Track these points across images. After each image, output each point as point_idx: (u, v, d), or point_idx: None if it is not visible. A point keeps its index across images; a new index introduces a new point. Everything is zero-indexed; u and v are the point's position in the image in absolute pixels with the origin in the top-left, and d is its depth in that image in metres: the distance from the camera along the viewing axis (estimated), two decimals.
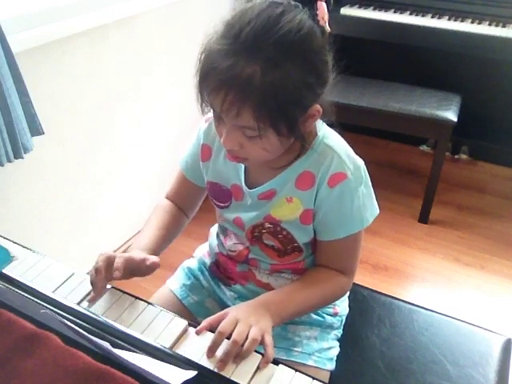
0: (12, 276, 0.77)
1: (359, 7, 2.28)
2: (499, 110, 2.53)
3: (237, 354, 0.70)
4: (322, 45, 0.76)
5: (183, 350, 0.70)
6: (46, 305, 0.72)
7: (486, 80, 2.47)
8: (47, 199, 1.54)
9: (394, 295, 1.20)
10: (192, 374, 0.62)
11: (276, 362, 0.71)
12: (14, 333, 0.66)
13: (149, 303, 0.79)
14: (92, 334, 0.65)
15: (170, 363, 0.64)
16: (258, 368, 0.69)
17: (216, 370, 0.68)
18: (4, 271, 0.78)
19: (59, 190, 1.58)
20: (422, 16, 2.19)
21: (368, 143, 2.72)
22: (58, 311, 0.71)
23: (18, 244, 0.88)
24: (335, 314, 1.02)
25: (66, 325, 0.65)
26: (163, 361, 0.64)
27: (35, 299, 0.73)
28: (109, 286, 0.82)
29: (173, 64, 1.92)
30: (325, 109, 0.80)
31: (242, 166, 0.91)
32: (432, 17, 2.17)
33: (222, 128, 0.78)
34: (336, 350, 0.99)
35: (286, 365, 0.71)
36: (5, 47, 1.17)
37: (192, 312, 1.04)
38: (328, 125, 0.89)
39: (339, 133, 0.90)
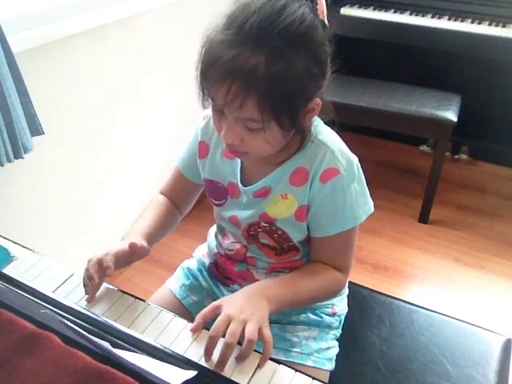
0: (12, 276, 0.77)
1: (359, 7, 2.28)
2: (499, 110, 2.53)
3: (238, 355, 0.69)
4: (323, 37, 0.76)
5: (183, 350, 0.70)
6: (46, 305, 0.72)
7: (485, 80, 2.47)
8: (47, 199, 1.54)
9: (394, 295, 1.20)
10: (192, 373, 0.62)
11: (276, 361, 0.71)
12: (14, 333, 0.66)
13: (149, 303, 0.79)
14: (92, 334, 0.65)
15: (170, 363, 0.64)
16: (258, 367, 0.69)
17: (216, 370, 0.68)
18: (4, 271, 0.78)
19: (59, 190, 1.58)
20: (422, 16, 2.19)
21: (368, 143, 2.72)
22: (58, 311, 0.71)
23: (18, 244, 0.88)
24: (333, 314, 1.02)
25: (66, 325, 0.65)
26: (163, 361, 0.64)
27: (35, 299, 0.73)
28: (111, 287, 0.82)
29: (173, 64, 1.92)
30: (323, 106, 0.80)
31: (239, 163, 0.91)
32: (432, 17, 2.17)
33: (223, 122, 0.78)
34: (335, 350, 0.99)
35: (285, 365, 0.71)
36: (5, 47, 1.17)
37: (191, 312, 1.04)
38: (328, 124, 0.89)
39: (339, 132, 0.90)
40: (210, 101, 0.78)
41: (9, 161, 1.23)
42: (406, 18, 2.19)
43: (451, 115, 2.04)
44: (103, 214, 1.80)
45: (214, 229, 1.08)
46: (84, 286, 0.79)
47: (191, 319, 0.78)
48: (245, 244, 0.97)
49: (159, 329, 0.74)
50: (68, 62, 1.47)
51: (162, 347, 0.69)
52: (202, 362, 0.69)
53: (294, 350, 0.95)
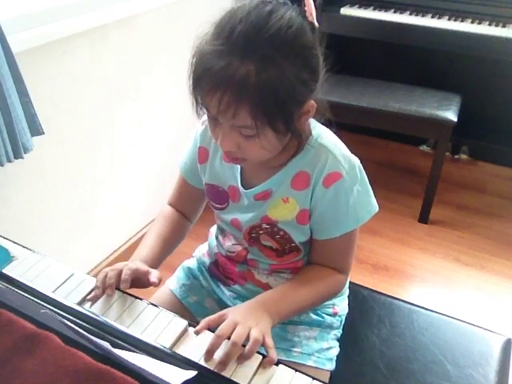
0: (12, 276, 0.77)
1: (359, 7, 2.28)
2: (499, 110, 2.53)
3: (240, 355, 0.70)
4: (312, 40, 0.76)
5: (183, 350, 0.70)
6: (46, 305, 0.72)
7: (486, 80, 2.47)
8: (47, 199, 1.54)
9: (394, 295, 1.20)
10: (192, 373, 0.62)
11: (276, 361, 0.71)
12: (14, 333, 0.66)
13: (149, 303, 0.79)
14: (92, 334, 0.65)
15: (170, 363, 0.64)
16: (259, 368, 0.69)
17: (216, 371, 0.68)
18: (4, 271, 0.78)
19: (59, 190, 1.58)
20: (422, 16, 2.18)
21: (368, 143, 2.72)
22: (58, 311, 0.71)
23: (18, 244, 0.88)
24: (334, 314, 1.02)
25: (66, 325, 0.65)
26: (163, 361, 0.64)
27: (35, 299, 0.73)
28: None
29: (173, 64, 1.92)
30: (318, 107, 0.80)
31: (239, 167, 0.91)
32: (432, 17, 2.17)
33: (219, 130, 0.78)
34: (336, 350, 0.99)
35: (285, 365, 0.71)
36: (5, 47, 1.17)
37: (191, 312, 1.04)
38: (327, 125, 0.89)
39: (338, 133, 0.90)
40: (205, 109, 0.78)
41: (9, 161, 1.23)
42: (405, 18, 2.18)
43: (451, 115, 2.04)
44: (103, 213, 1.80)
45: (214, 228, 1.07)
46: (96, 288, 0.79)
47: (191, 319, 0.78)
48: (246, 246, 0.97)
49: (159, 329, 0.74)
50: (68, 62, 1.47)
51: (162, 347, 0.69)
52: (202, 362, 0.69)
53: (295, 349, 0.95)
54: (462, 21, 2.12)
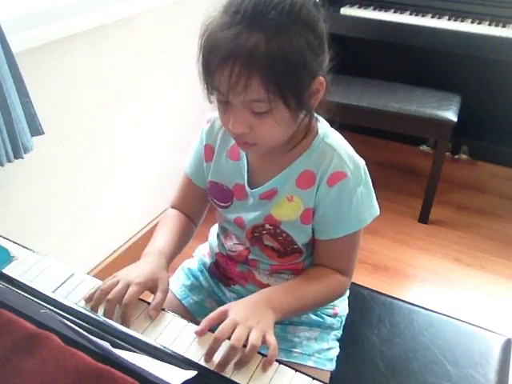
0: (12, 276, 0.77)
1: (359, 7, 2.28)
2: (499, 110, 2.53)
3: (238, 361, 0.69)
4: (317, 16, 0.77)
5: (183, 350, 0.70)
6: (46, 305, 0.72)
7: (486, 80, 2.47)
8: (47, 199, 1.54)
9: (394, 295, 1.20)
10: (192, 374, 0.62)
11: (277, 361, 0.71)
12: (14, 333, 0.66)
13: (149, 303, 0.79)
14: (92, 334, 0.65)
15: (170, 363, 0.64)
16: (258, 368, 0.69)
17: (216, 371, 0.68)
18: (4, 271, 0.78)
19: (59, 190, 1.58)
20: (422, 16, 2.19)
21: (368, 143, 2.72)
22: (58, 311, 0.71)
23: (18, 244, 0.88)
24: (335, 315, 1.02)
25: (66, 325, 0.65)
26: (163, 361, 0.64)
27: (35, 299, 0.73)
28: None
29: (173, 64, 1.92)
30: (325, 105, 0.81)
31: (245, 165, 0.91)
32: (432, 17, 2.17)
33: (230, 112, 0.77)
34: (336, 351, 0.99)
35: (285, 365, 0.70)
36: (5, 47, 1.16)
37: (192, 312, 1.04)
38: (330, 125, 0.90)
39: (339, 132, 0.90)
40: (215, 93, 0.78)
41: (9, 161, 1.23)
42: (406, 18, 2.18)
43: (451, 115, 2.04)
44: (103, 213, 1.80)
45: (215, 228, 1.07)
46: (93, 305, 0.77)
47: (191, 319, 0.78)
48: (247, 246, 0.97)
49: (159, 329, 0.74)
50: (68, 62, 1.47)
51: (162, 347, 0.69)
52: (202, 362, 0.69)
53: (295, 350, 0.95)
54: (462, 21, 2.12)
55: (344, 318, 1.06)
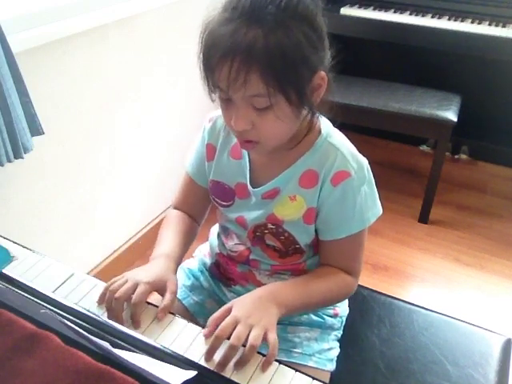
0: (12, 276, 0.77)
1: (359, 7, 2.28)
2: (499, 110, 2.53)
3: (238, 361, 0.69)
4: (315, 10, 0.77)
5: (183, 350, 0.70)
6: (46, 305, 0.72)
7: (485, 80, 2.47)
8: (47, 199, 1.54)
9: (394, 295, 1.20)
10: (192, 374, 0.62)
11: (277, 361, 0.71)
12: (14, 333, 0.66)
13: (149, 303, 0.79)
14: (92, 334, 0.65)
15: (170, 363, 0.64)
16: (258, 368, 0.69)
17: (216, 371, 0.68)
18: (4, 271, 0.78)
19: (59, 190, 1.58)
20: (422, 16, 2.19)
21: (368, 143, 2.72)
22: (58, 311, 0.71)
23: (18, 244, 0.88)
24: (335, 315, 1.02)
25: (66, 325, 0.65)
26: (163, 361, 0.64)
27: (35, 299, 0.73)
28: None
29: (173, 64, 1.92)
30: (326, 105, 0.81)
31: (247, 164, 0.91)
32: (432, 17, 2.17)
33: (231, 109, 0.77)
34: (336, 351, 0.99)
35: (286, 365, 0.70)
36: (5, 47, 1.16)
37: (192, 312, 1.04)
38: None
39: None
40: (217, 91, 0.78)
41: (9, 161, 1.23)
42: (406, 18, 2.18)
43: (451, 115, 2.04)
44: (103, 213, 1.80)
45: (216, 228, 1.07)
46: (107, 307, 0.76)
47: (191, 319, 0.78)
48: (248, 246, 0.96)
49: (159, 329, 0.74)
50: (68, 61, 1.47)
51: (161, 347, 0.69)
52: (202, 362, 0.69)
53: (296, 350, 0.95)
54: (462, 21, 2.12)
55: (344, 319, 1.06)
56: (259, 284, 0.98)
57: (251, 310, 0.75)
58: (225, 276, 1.04)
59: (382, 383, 0.99)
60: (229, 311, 0.75)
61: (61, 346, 0.64)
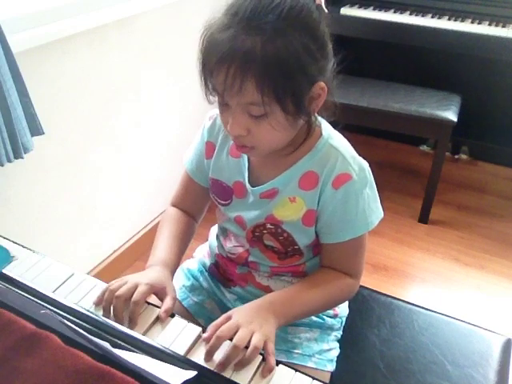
0: (12, 276, 0.77)
1: (359, 7, 2.28)
2: (499, 110, 2.53)
3: (238, 361, 0.69)
4: (319, 19, 0.76)
5: (183, 350, 0.70)
6: (45, 305, 0.72)
7: (486, 80, 2.47)
8: (47, 199, 1.54)
9: (394, 295, 1.20)
10: (192, 373, 0.62)
11: (276, 362, 0.71)
12: (14, 333, 0.66)
13: (149, 303, 0.79)
14: (92, 334, 0.65)
15: (170, 363, 0.64)
16: (259, 369, 0.69)
17: (216, 371, 0.68)
18: (4, 271, 0.78)
19: (59, 190, 1.58)
20: (422, 16, 2.19)
21: (368, 143, 2.72)
22: (58, 311, 0.71)
23: (18, 244, 0.88)
24: (335, 316, 1.02)
25: (66, 325, 0.65)
26: (163, 361, 0.64)
27: (35, 299, 0.73)
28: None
29: (173, 64, 1.92)
30: (328, 107, 0.80)
31: (246, 162, 0.91)
32: (432, 17, 2.17)
33: (228, 114, 0.78)
34: (336, 351, 0.99)
35: (286, 365, 0.70)
36: (5, 47, 1.16)
37: (192, 313, 1.04)
38: (333, 126, 0.89)
39: (340, 133, 0.90)
40: (215, 94, 0.78)
41: (9, 161, 1.23)
42: (405, 18, 2.18)
43: (451, 115, 2.04)
44: (103, 214, 1.80)
45: (215, 228, 1.07)
46: (104, 309, 0.76)
47: (191, 320, 0.78)
48: (247, 248, 0.96)
49: (159, 329, 0.74)
50: (68, 61, 1.47)
51: (161, 347, 0.69)
52: (202, 362, 0.69)
53: (296, 351, 0.94)
54: (462, 21, 2.12)
55: (344, 319, 1.05)
56: (259, 285, 0.98)
57: (252, 317, 0.75)
58: (224, 277, 1.03)
59: (382, 383, 0.99)
60: (229, 319, 0.75)
61: (61, 346, 0.64)
